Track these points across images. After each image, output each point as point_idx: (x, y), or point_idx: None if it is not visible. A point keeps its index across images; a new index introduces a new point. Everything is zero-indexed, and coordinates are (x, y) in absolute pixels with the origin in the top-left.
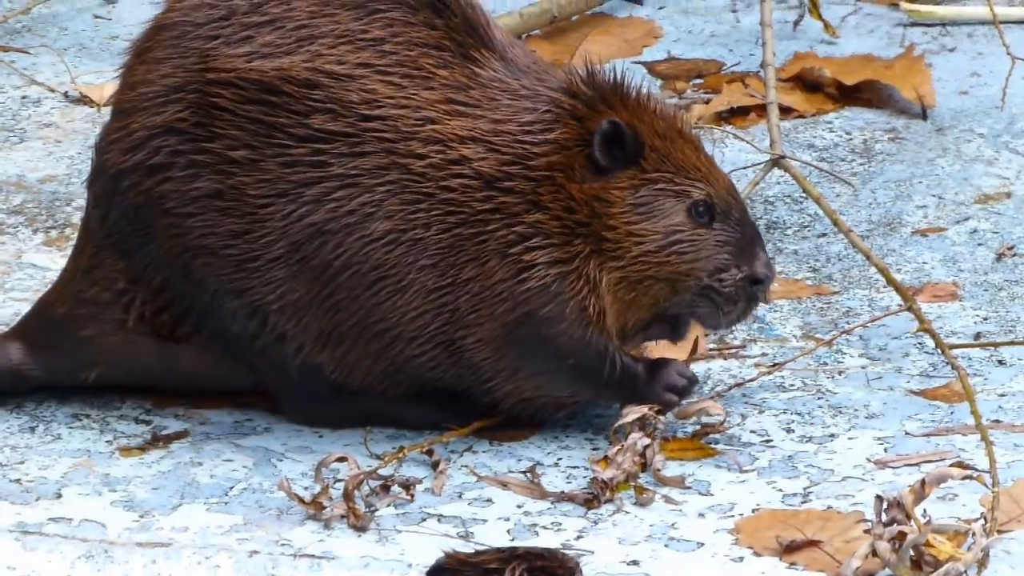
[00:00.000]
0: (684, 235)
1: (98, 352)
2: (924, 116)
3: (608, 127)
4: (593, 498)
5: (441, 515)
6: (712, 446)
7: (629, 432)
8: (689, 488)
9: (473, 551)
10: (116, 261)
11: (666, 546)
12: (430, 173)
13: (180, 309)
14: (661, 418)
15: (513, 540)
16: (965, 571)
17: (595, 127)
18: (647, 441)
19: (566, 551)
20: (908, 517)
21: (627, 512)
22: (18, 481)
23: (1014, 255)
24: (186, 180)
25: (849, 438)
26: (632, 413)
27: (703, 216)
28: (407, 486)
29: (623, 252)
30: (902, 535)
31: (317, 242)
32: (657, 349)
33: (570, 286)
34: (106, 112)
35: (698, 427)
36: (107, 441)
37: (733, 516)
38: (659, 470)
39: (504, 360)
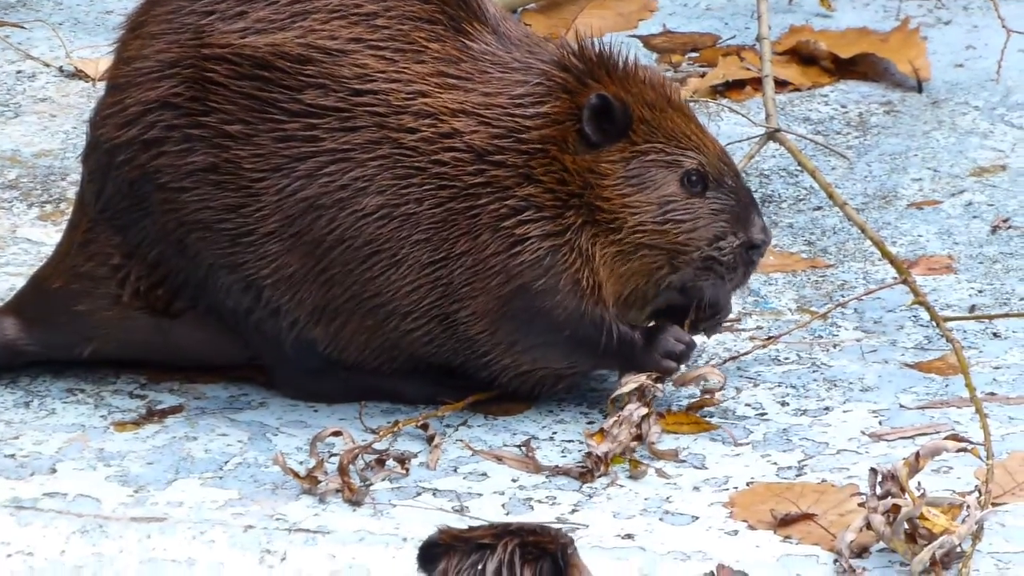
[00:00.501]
0: (678, 205)
1: (93, 327)
2: (919, 89)
3: (596, 101)
4: (587, 472)
5: (436, 489)
6: (708, 420)
7: (627, 403)
8: (684, 461)
9: (467, 527)
10: (111, 236)
11: (661, 519)
12: (422, 147)
13: (175, 284)
14: (659, 386)
15: (508, 514)
16: (959, 544)
17: (584, 101)
18: (644, 411)
19: (560, 526)
20: (902, 490)
21: (622, 486)
22: (12, 456)
23: (1009, 228)
24: (181, 155)
25: (844, 411)
26: (630, 383)
27: (696, 185)
28: (402, 460)
29: (619, 224)
30: (896, 508)
31: (310, 217)
32: None
33: (563, 258)
34: (101, 87)
35: (695, 398)
36: (102, 416)
37: (728, 489)
38: (653, 443)
39: (500, 333)
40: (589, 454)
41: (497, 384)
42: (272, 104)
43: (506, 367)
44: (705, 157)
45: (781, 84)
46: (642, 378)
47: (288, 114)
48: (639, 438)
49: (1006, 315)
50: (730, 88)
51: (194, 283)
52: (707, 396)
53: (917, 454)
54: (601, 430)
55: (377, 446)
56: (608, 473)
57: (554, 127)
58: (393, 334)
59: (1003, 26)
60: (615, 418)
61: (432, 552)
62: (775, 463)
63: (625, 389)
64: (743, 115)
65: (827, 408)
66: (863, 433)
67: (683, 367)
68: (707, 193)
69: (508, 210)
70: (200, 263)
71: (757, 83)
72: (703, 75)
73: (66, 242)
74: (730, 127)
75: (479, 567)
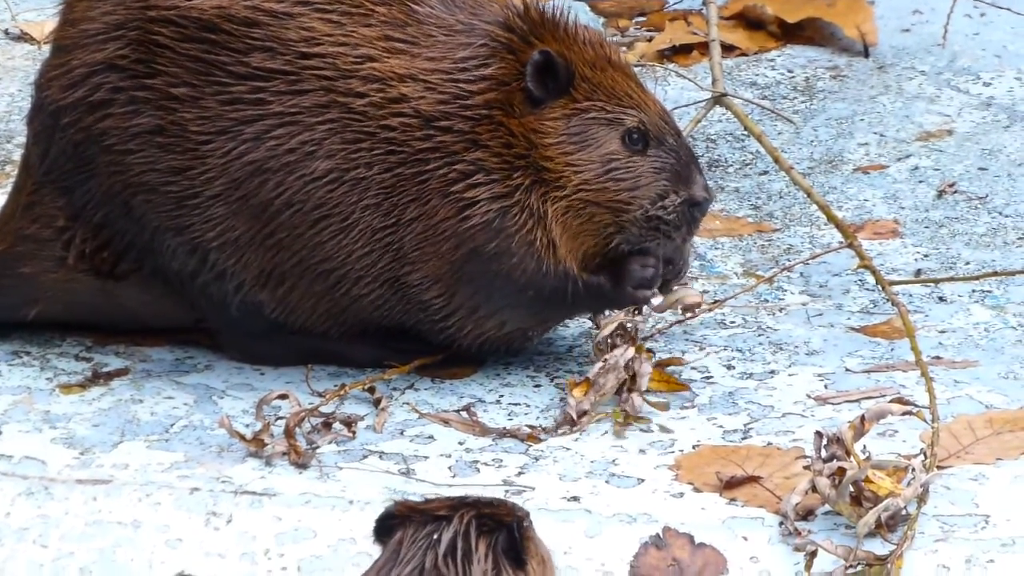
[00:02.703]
0: (620, 163)
1: (39, 289)
2: (866, 54)
3: (539, 57)
4: (570, 424)
5: (383, 452)
6: (680, 380)
7: (611, 345)
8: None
9: (423, 499)
10: (56, 198)
11: (607, 482)
12: (370, 112)
13: (120, 246)
14: (639, 318)
15: (454, 477)
16: (905, 507)
17: (527, 59)
18: (631, 353)
19: (506, 489)
20: (848, 453)
21: (568, 449)
22: None
23: (955, 192)
24: (127, 117)
25: (789, 375)
26: (609, 323)
27: (637, 143)
28: (348, 423)
29: (564, 181)
30: (842, 471)
31: (257, 180)
32: None
33: (513, 219)
34: (46, 49)
35: (668, 355)
36: (47, 378)
37: (674, 452)
38: (644, 390)
39: (457, 298)
40: (566, 413)
41: (457, 347)
42: (218, 67)
43: (469, 332)
44: (646, 116)
45: (728, 49)
46: (620, 316)
47: (234, 77)
48: (633, 378)
49: (951, 279)
50: (677, 53)
51: (139, 246)
52: (688, 315)
53: (862, 417)
54: (587, 379)
55: (324, 409)
56: (584, 429)
57: (499, 90)
58: (343, 299)
59: None
60: (600, 364)
61: (388, 523)
62: (721, 426)
63: (606, 332)
64: (690, 80)
65: (773, 372)
66: (809, 396)
67: (657, 299)
68: (648, 151)
69: (456, 175)
70: (145, 226)
71: (704, 48)
72: (650, 39)
73: (11, 205)
74: (677, 92)
75: (434, 537)
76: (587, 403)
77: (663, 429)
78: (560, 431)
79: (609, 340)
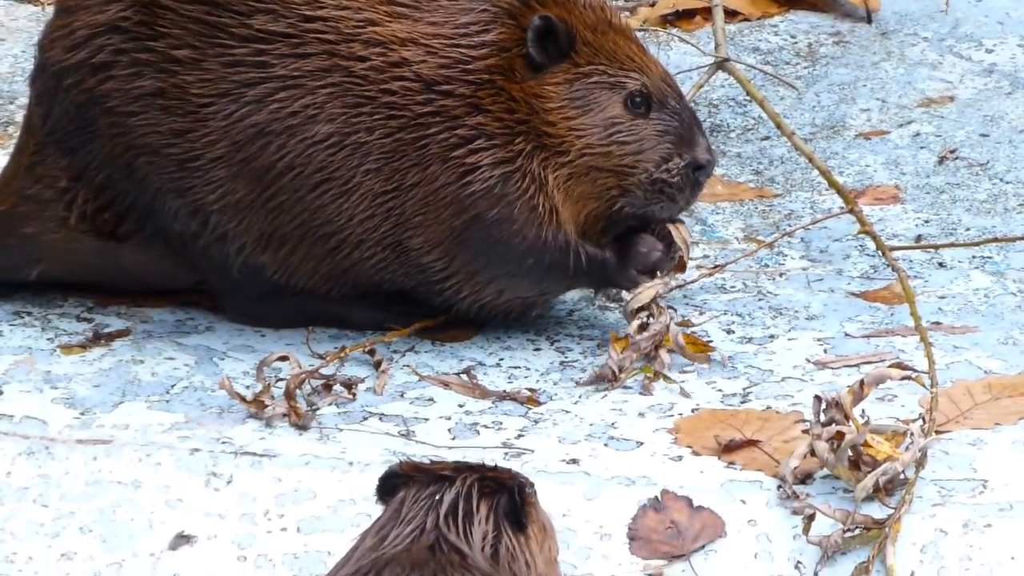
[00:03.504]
0: (623, 126)
1: (40, 249)
2: (869, 20)
3: (540, 22)
4: (612, 376)
5: (383, 414)
6: (709, 343)
7: (648, 310)
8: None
9: (428, 460)
10: (58, 159)
11: (606, 445)
12: (372, 76)
13: (122, 207)
14: (674, 282)
15: (454, 439)
16: (903, 471)
17: (528, 24)
18: (667, 318)
19: (505, 451)
20: (846, 417)
21: (567, 412)
22: None
23: (956, 158)
24: (129, 79)
25: (789, 339)
26: (646, 291)
27: (640, 107)
28: (349, 385)
29: (567, 147)
30: (840, 435)
31: (259, 143)
32: None
33: (515, 186)
34: (50, 10)
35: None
36: (48, 339)
37: (673, 416)
38: (682, 346)
39: (456, 263)
40: (606, 365)
41: (455, 311)
42: (221, 29)
43: (466, 297)
44: (648, 79)
45: (731, 14)
46: (657, 283)
47: (237, 39)
48: (661, 345)
49: (952, 245)
50: (680, 18)
51: (141, 207)
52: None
53: (861, 382)
54: (626, 336)
55: (324, 371)
56: (622, 384)
57: (500, 56)
58: (344, 261)
59: None
60: (638, 323)
61: (391, 482)
62: (720, 390)
63: (644, 299)
64: (693, 45)
65: (772, 336)
66: (808, 361)
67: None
68: (651, 114)
69: (458, 140)
70: (147, 187)
71: (707, 13)
72: (653, 4)
73: (13, 165)
74: (679, 57)
75: (436, 498)
76: (626, 360)
77: (683, 393)
78: (599, 386)
79: (646, 307)
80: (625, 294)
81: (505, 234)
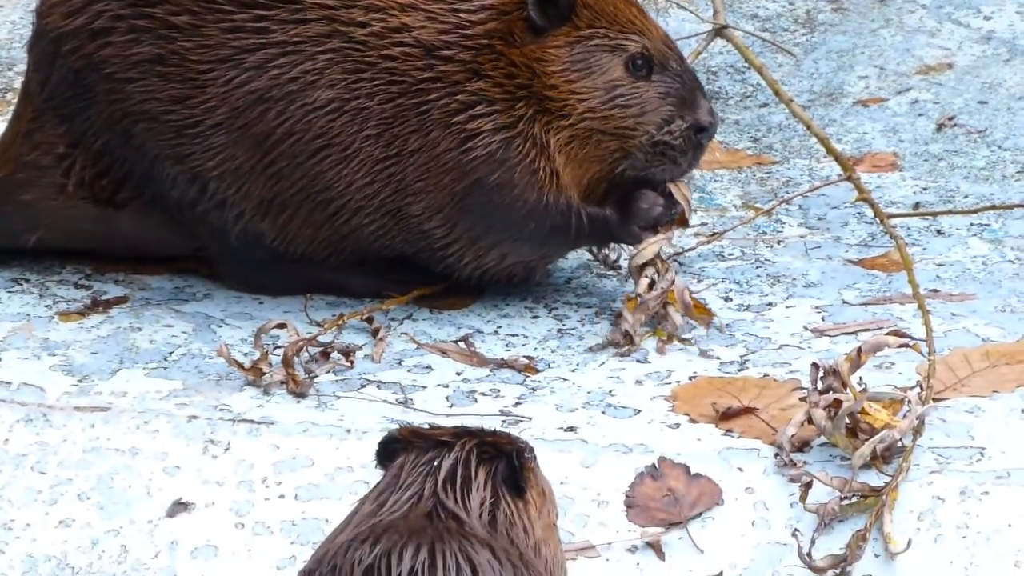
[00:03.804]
0: (625, 89)
1: (39, 216)
2: None
3: None
4: (627, 339)
5: (380, 382)
6: (708, 307)
7: (654, 266)
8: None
9: (428, 425)
10: (56, 125)
11: (603, 412)
12: (372, 41)
13: (120, 174)
14: (677, 233)
15: (452, 407)
16: (900, 439)
17: None
18: (672, 275)
19: (503, 419)
20: (844, 385)
21: (565, 379)
22: None
23: (954, 126)
24: (127, 45)
25: (787, 307)
26: (649, 246)
27: (641, 69)
28: (347, 353)
29: (568, 110)
30: (838, 403)
31: (259, 109)
32: None
33: (516, 150)
34: None
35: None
36: (47, 306)
37: (670, 383)
38: (688, 304)
39: (458, 229)
40: (618, 325)
41: (456, 277)
42: None
43: (469, 262)
44: (649, 41)
45: None
46: (660, 238)
47: (236, 5)
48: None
49: (950, 212)
50: None
51: (139, 174)
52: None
53: (859, 349)
54: (637, 296)
55: (322, 339)
56: (638, 348)
57: (499, 20)
58: (343, 228)
59: None
60: (646, 282)
61: (391, 447)
62: (718, 358)
63: (648, 254)
64: (691, 11)
65: (770, 304)
66: (806, 329)
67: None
68: (652, 77)
69: (459, 105)
70: (145, 154)
71: None
72: None
73: (11, 132)
74: (678, 23)
75: (435, 463)
76: (637, 322)
77: (702, 354)
78: (615, 349)
79: (650, 262)
80: (627, 251)
81: (506, 199)
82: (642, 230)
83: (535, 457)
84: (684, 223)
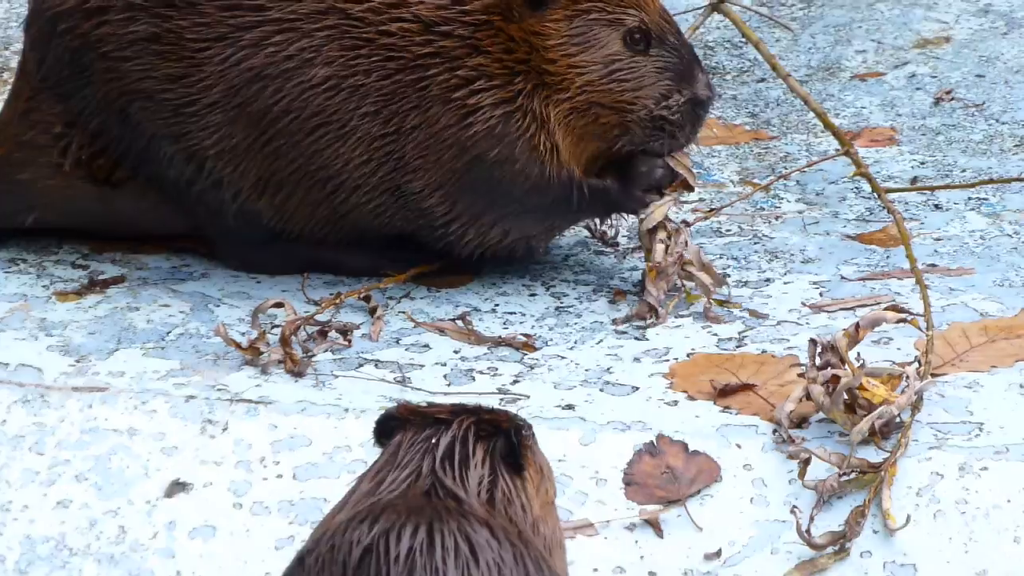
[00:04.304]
0: (623, 63)
1: (36, 195)
2: None
3: None
4: (652, 312)
5: (378, 360)
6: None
7: (666, 229)
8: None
9: (426, 403)
10: (53, 105)
11: (601, 390)
12: (369, 17)
13: (117, 153)
14: (686, 194)
15: (450, 385)
16: (899, 414)
17: None
18: (685, 237)
19: (501, 397)
20: (842, 361)
21: (563, 357)
22: None
23: (952, 100)
24: (123, 23)
25: (785, 282)
26: (658, 209)
27: (639, 43)
28: (344, 332)
29: (567, 83)
30: (836, 379)
31: (255, 87)
32: None
33: (516, 125)
34: None
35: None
36: (44, 286)
37: (668, 360)
38: (705, 262)
39: (459, 206)
40: (644, 301)
41: (457, 255)
42: None
43: (471, 239)
44: (647, 15)
45: None
46: (667, 200)
47: None
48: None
49: (947, 187)
50: None
51: (136, 153)
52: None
53: (857, 325)
54: (656, 265)
55: (319, 318)
56: (663, 320)
57: None
58: (342, 206)
59: None
60: (661, 245)
61: (389, 425)
62: (715, 334)
63: (658, 216)
64: None
65: (768, 280)
66: (804, 304)
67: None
68: (650, 51)
69: (459, 80)
70: (142, 133)
71: None
72: None
73: (8, 111)
74: None
75: (433, 441)
76: (661, 291)
77: (751, 312)
78: (643, 321)
79: (660, 225)
80: (624, 229)
81: (507, 174)
82: (644, 193)
83: (533, 435)
84: (689, 188)
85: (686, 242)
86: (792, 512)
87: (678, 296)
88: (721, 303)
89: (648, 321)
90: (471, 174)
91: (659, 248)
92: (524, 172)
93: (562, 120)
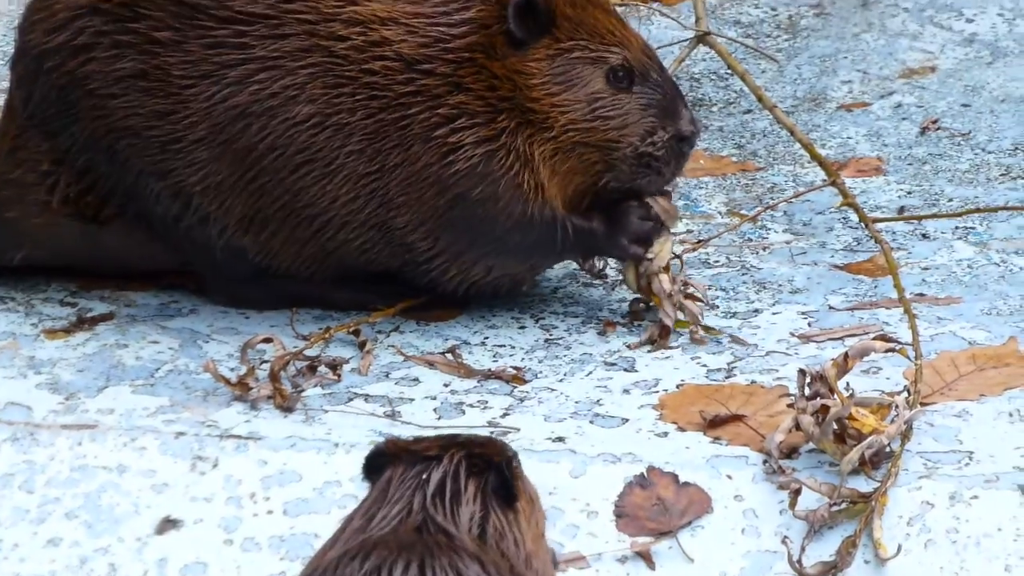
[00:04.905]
0: (606, 101)
1: (23, 234)
2: None
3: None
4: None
5: (368, 395)
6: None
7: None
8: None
9: (413, 438)
10: (40, 142)
11: (591, 422)
12: (352, 56)
13: (104, 190)
14: (675, 235)
15: (440, 419)
16: (888, 444)
17: (508, 1)
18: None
19: (491, 430)
20: (831, 391)
21: (552, 389)
22: None
23: (938, 129)
24: (110, 61)
25: (773, 313)
26: (663, 251)
27: (622, 81)
28: (334, 366)
29: (551, 123)
30: (825, 409)
31: (240, 124)
32: None
33: (499, 163)
34: None
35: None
36: (32, 324)
37: (657, 392)
38: (701, 301)
39: (441, 242)
40: (658, 322)
41: (441, 291)
42: (201, 10)
43: (454, 276)
44: (629, 52)
45: None
46: (668, 244)
47: (217, 21)
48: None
49: (935, 216)
50: None
51: (123, 190)
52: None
53: (846, 355)
54: (666, 295)
55: (308, 352)
56: (668, 345)
57: (480, 33)
58: (328, 243)
59: None
60: (666, 277)
61: (378, 461)
62: (705, 365)
63: (665, 257)
64: (673, 19)
65: (756, 310)
66: (792, 335)
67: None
68: (634, 88)
69: (440, 119)
70: (129, 170)
71: None
72: None
73: None
74: (660, 31)
75: (423, 477)
76: (674, 312)
77: (734, 339)
78: (651, 346)
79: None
80: (612, 261)
81: (490, 212)
82: (630, 244)
83: (520, 463)
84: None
85: (675, 277)
86: (783, 543)
87: (679, 319)
88: (707, 329)
89: (656, 345)
90: (453, 212)
91: (664, 278)
92: (507, 211)
93: (547, 159)
